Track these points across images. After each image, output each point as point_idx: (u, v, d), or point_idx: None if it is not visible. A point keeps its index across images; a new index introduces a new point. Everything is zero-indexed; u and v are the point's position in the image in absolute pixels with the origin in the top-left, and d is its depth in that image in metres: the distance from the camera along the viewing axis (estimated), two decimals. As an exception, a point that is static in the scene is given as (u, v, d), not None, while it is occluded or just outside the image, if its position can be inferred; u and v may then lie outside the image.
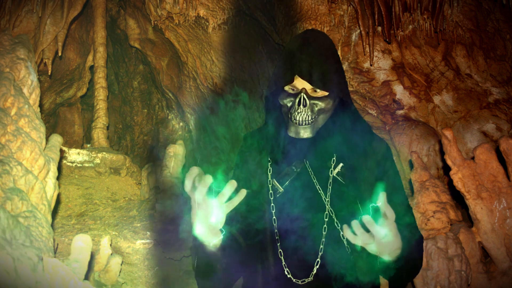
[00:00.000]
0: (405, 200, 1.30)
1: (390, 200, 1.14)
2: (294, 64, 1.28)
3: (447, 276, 2.11)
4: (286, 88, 1.31)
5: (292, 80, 1.29)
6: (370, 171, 1.29)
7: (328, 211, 1.22)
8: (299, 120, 1.28)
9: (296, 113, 1.28)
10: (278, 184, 1.27)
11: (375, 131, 5.08)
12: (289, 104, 1.30)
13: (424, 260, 2.22)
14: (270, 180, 1.29)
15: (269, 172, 1.31)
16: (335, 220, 1.21)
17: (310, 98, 1.28)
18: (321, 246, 1.19)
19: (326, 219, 1.21)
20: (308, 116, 1.29)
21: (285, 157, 1.31)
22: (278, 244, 1.21)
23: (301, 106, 1.27)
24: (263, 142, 1.39)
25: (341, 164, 1.28)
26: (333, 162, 1.29)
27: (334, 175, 1.27)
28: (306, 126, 1.29)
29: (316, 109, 1.29)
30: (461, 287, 2.09)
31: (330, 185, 1.25)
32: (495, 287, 2.23)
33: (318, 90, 1.28)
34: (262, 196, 1.28)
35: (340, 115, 1.35)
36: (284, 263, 1.20)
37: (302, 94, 1.27)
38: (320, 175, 1.28)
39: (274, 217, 1.24)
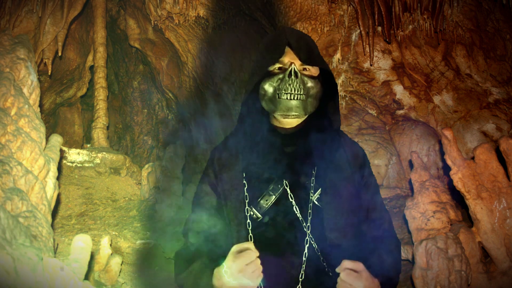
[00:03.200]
0: (384, 212, 1.29)
1: (369, 216, 1.21)
2: (282, 40, 1.25)
3: (447, 276, 2.11)
4: (272, 68, 1.26)
5: (282, 53, 1.24)
6: (350, 183, 1.25)
7: (309, 237, 1.16)
8: (291, 91, 1.21)
9: (287, 85, 1.22)
10: (256, 212, 1.18)
11: (375, 131, 5.09)
12: (276, 84, 1.24)
13: (424, 260, 2.22)
14: (247, 209, 1.19)
15: (246, 198, 1.20)
16: (315, 245, 1.16)
17: (301, 72, 1.24)
18: (301, 272, 1.13)
19: (307, 245, 1.15)
20: (301, 89, 1.22)
21: (262, 175, 1.22)
22: None
23: (293, 76, 1.21)
24: (234, 158, 1.26)
25: (319, 190, 1.21)
26: (312, 183, 1.21)
27: (314, 200, 1.20)
28: (297, 100, 1.22)
29: (307, 86, 1.24)
30: (461, 287, 2.09)
31: (310, 209, 1.18)
32: (495, 287, 2.23)
33: (307, 68, 1.25)
34: (237, 223, 1.19)
35: (324, 121, 1.30)
36: None
37: (292, 66, 1.22)
38: (299, 197, 1.20)
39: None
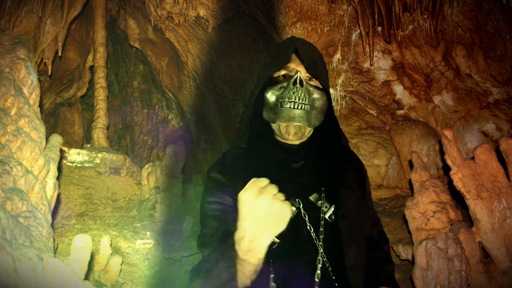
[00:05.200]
0: (380, 229, 1.29)
1: (372, 234, 1.22)
2: (290, 46, 1.19)
3: (447, 276, 2.11)
4: (276, 75, 1.19)
5: (288, 60, 1.17)
6: (358, 198, 1.23)
7: (321, 256, 1.09)
8: (294, 100, 1.14)
9: (292, 92, 1.14)
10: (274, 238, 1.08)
11: (375, 131, 5.09)
12: (279, 92, 1.17)
13: (424, 260, 2.22)
14: None
15: None
16: (327, 264, 1.11)
17: (306, 81, 1.17)
18: None
19: (319, 265, 1.09)
20: (306, 98, 1.15)
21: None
22: None
23: (298, 85, 1.14)
24: (237, 179, 1.13)
25: (333, 207, 1.14)
26: (322, 200, 1.14)
27: (327, 217, 1.13)
28: (301, 110, 1.15)
29: (312, 97, 1.17)
30: (461, 287, 2.09)
31: (322, 227, 1.11)
32: (495, 287, 2.23)
33: (313, 79, 1.19)
34: None
35: (330, 135, 1.24)
36: None
37: (298, 74, 1.15)
38: (311, 215, 1.13)
39: (272, 275, 1.06)
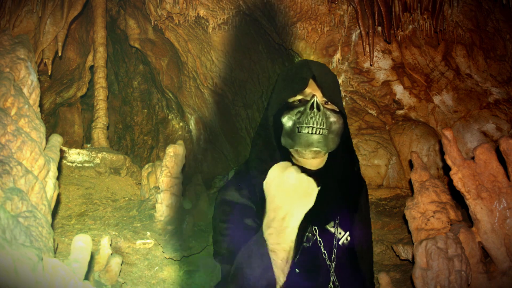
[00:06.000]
0: (371, 252, 1.32)
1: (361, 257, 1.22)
2: (306, 72, 1.18)
3: (447, 276, 2.11)
4: (292, 100, 1.18)
5: (305, 86, 1.16)
6: (365, 222, 1.26)
7: (333, 281, 1.12)
8: (312, 125, 1.13)
9: (309, 117, 1.13)
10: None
11: (375, 131, 5.09)
12: (295, 117, 1.15)
13: (424, 260, 2.22)
14: None
15: None
16: (337, 285, 1.13)
17: (323, 105, 1.16)
18: None
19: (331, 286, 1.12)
20: (323, 123, 1.14)
21: None
22: None
23: (315, 109, 1.13)
24: (251, 203, 1.12)
25: (347, 233, 1.17)
26: (337, 226, 1.17)
27: (340, 244, 1.15)
28: (319, 135, 1.14)
29: (329, 120, 1.16)
30: (461, 287, 2.09)
31: (334, 254, 1.13)
32: (495, 287, 2.23)
33: (329, 103, 1.18)
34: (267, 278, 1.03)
35: (345, 160, 1.24)
36: None
37: (315, 98, 1.13)
38: (325, 241, 1.14)
39: None
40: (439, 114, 4.87)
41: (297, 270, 1.08)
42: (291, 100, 1.18)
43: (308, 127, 1.14)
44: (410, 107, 5.00)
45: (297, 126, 1.15)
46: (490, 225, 2.30)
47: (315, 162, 1.19)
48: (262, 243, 0.98)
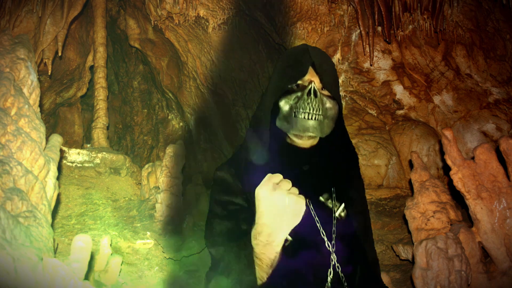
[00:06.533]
0: (370, 227, 1.32)
1: (364, 235, 1.23)
2: (306, 58, 1.22)
3: (447, 276, 2.11)
4: (291, 86, 1.22)
5: (305, 74, 1.20)
6: (362, 198, 1.28)
7: (333, 256, 1.12)
8: (309, 111, 1.17)
9: (306, 103, 1.18)
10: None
11: (375, 131, 5.09)
12: (293, 102, 1.20)
13: (424, 260, 2.22)
14: None
15: None
16: (337, 264, 1.14)
17: (320, 91, 1.20)
18: None
19: (332, 262, 1.12)
20: (319, 109, 1.19)
21: None
22: None
23: (312, 95, 1.17)
24: (247, 180, 1.17)
25: (343, 205, 1.19)
26: (333, 200, 1.19)
27: (337, 215, 1.17)
28: (315, 120, 1.19)
29: (325, 106, 1.21)
30: (461, 287, 2.09)
31: (334, 227, 1.15)
32: (495, 287, 2.24)
33: (325, 90, 1.22)
34: None
35: (336, 139, 1.27)
36: None
37: (312, 84, 1.18)
38: (322, 215, 1.16)
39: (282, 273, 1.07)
40: (439, 114, 4.87)
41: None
42: (290, 86, 1.22)
43: (305, 112, 1.18)
44: (410, 107, 5.00)
45: (294, 110, 1.19)
46: (490, 225, 2.30)
47: (309, 142, 1.24)
48: (249, 245, 1.03)
